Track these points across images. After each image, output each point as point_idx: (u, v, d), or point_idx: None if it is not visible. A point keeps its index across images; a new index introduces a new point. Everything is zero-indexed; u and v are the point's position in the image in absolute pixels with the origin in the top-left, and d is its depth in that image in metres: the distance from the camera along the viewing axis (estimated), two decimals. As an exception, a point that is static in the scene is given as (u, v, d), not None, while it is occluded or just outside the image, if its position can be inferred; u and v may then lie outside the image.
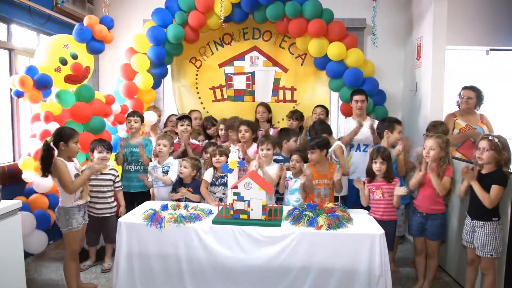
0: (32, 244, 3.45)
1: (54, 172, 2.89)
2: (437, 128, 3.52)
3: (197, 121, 4.47)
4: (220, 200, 3.44)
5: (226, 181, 3.40)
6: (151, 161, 3.89)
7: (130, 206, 3.61)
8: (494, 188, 2.71)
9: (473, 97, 3.83)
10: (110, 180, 3.57)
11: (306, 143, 3.37)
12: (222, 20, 4.01)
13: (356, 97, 3.98)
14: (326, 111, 4.41)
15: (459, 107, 3.94)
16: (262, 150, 3.48)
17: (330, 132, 3.85)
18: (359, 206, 3.43)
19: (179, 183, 3.60)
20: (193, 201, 3.42)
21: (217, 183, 3.49)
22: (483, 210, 2.77)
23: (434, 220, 3.12)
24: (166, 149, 3.74)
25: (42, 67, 3.60)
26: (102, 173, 3.42)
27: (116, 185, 3.63)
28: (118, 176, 3.66)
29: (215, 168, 3.52)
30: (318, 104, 4.47)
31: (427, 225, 3.14)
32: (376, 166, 3.19)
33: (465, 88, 3.89)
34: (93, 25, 3.92)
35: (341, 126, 4.44)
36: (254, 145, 3.85)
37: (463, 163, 3.27)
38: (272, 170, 3.47)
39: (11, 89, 3.53)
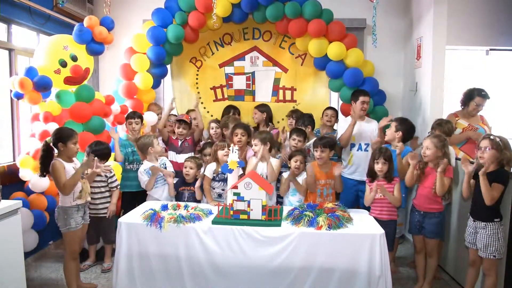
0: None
1: (51, 172, 2.89)
2: (442, 127, 3.47)
3: (195, 122, 4.45)
4: (219, 195, 3.44)
5: (226, 177, 3.39)
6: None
7: (131, 206, 3.60)
8: (494, 186, 2.71)
9: (485, 104, 3.81)
10: (102, 180, 3.56)
11: (316, 141, 3.38)
12: (214, 20, 4.00)
13: (363, 98, 3.87)
14: (336, 113, 4.40)
15: (462, 107, 3.91)
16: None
17: (312, 128, 4.12)
18: (357, 207, 3.43)
19: (182, 182, 3.61)
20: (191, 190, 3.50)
21: (217, 178, 3.49)
22: (485, 211, 2.77)
23: (431, 218, 3.13)
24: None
25: (42, 69, 3.58)
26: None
27: (111, 185, 3.61)
28: (113, 176, 3.62)
29: (218, 163, 3.50)
30: (328, 106, 4.47)
31: (425, 224, 3.15)
32: (378, 167, 3.19)
33: (481, 95, 3.77)
34: (93, 26, 3.90)
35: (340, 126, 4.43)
36: (250, 150, 3.77)
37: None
38: (273, 162, 3.45)
39: (11, 90, 3.53)
